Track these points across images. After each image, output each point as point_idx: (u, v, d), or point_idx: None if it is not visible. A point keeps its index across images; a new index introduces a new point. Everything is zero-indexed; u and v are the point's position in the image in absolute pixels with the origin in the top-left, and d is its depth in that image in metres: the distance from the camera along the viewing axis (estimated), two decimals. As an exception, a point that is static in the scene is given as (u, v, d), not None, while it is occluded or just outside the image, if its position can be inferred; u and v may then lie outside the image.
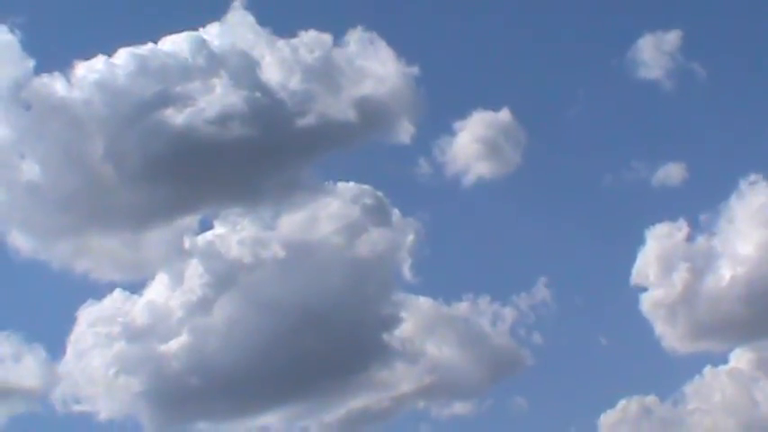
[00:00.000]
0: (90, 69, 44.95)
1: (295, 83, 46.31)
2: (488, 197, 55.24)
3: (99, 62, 45.06)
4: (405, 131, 50.05)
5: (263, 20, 48.03)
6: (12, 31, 46.97)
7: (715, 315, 46.70)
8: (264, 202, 48.38)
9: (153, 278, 47.72)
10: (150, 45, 45.77)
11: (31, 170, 44.60)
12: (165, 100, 44.03)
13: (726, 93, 57.62)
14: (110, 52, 45.28)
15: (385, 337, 45.57)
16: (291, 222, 46.83)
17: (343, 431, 48.55)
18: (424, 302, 48.57)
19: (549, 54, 61.69)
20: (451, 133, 53.46)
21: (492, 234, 57.14)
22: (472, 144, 52.02)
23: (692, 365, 53.77)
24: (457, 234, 57.22)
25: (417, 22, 62.15)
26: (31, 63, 45.82)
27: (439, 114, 56.45)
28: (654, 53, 53.10)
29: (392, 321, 45.92)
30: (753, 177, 47.97)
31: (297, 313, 43.93)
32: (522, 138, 52.21)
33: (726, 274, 46.33)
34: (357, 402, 47.90)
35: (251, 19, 47.79)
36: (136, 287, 47.84)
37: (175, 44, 45.88)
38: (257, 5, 51.03)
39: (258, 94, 44.91)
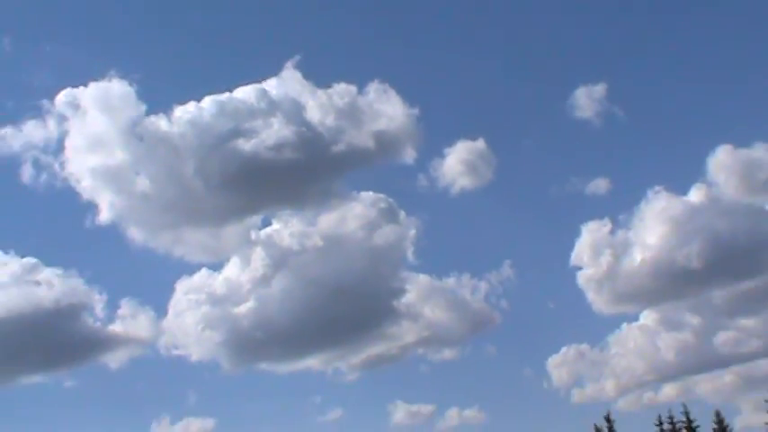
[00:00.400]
0: (184, 111, 53.44)
1: (330, 121, 55.57)
2: (469, 203, 66.71)
3: (191, 106, 53.55)
4: (409, 155, 60.84)
5: (307, 75, 57.37)
6: (130, 84, 55.95)
7: (630, 286, 55.14)
8: (308, 206, 57.64)
9: (228, 260, 56.43)
10: (227, 93, 53.94)
11: (143, 183, 53.44)
12: (237, 133, 52.02)
13: (639, 128, 69.05)
14: (198, 98, 53.83)
15: (394, 303, 54.71)
16: (327, 220, 55.69)
17: (365, 370, 58.59)
18: (422, 278, 58.34)
19: (513, 99, 74.09)
20: (442, 156, 64.21)
21: (471, 229, 70.21)
22: (457, 164, 62.12)
23: (613, 322, 66.02)
24: (446, 229, 69.52)
25: (417, 76, 74.67)
26: (143, 107, 54.24)
27: (433, 143, 68.32)
28: (587, 99, 63.69)
29: (399, 292, 55.03)
30: (657, 188, 56.79)
31: (330, 286, 52.02)
32: (493, 160, 62.86)
33: (638, 257, 54.65)
34: (374, 350, 57.77)
35: (299, 75, 57.29)
36: (216, 267, 57.06)
37: (245, 93, 54.08)
38: (303, 65, 62.99)
39: (304, 129, 53.52)
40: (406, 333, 55.62)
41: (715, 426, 41.15)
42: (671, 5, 72.39)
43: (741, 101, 68.33)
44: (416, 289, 56.73)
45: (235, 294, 53.79)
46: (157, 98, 62.09)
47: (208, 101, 53.34)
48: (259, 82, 55.67)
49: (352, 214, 55.98)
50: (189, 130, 52.71)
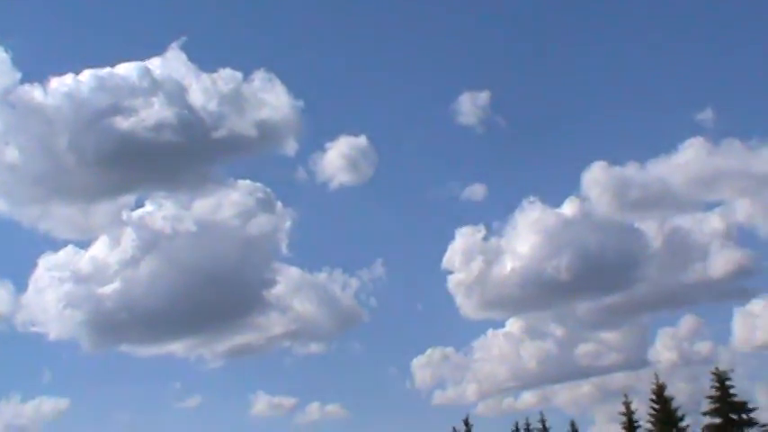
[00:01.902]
0: (61, 83, 52.84)
1: (213, 105, 55.05)
2: (347, 199, 67.14)
3: (69, 78, 52.94)
4: (290, 147, 61.13)
5: (192, 58, 58.02)
6: (6, 50, 55.30)
7: (498, 294, 55.52)
8: (183, 189, 57.40)
9: (97, 239, 55.89)
10: (108, 68, 53.38)
11: (11, 154, 52.48)
12: (115, 110, 50.98)
13: (519, 138, 70.38)
14: (77, 71, 53.14)
15: (264, 293, 54.66)
16: (202, 206, 55.44)
17: (229, 358, 58.37)
18: (294, 271, 58.48)
19: (398, 99, 74.86)
20: (324, 150, 64.52)
21: (347, 225, 70.77)
22: (338, 159, 62.32)
23: (479, 328, 66.95)
24: (322, 223, 70.71)
25: (305, 69, 74.54)
26: (17, 75, 54.33)
27: (316, 136, 69.73)
28: (470, 106, 64.48)
29: (270, 283, 54.91)
30: (532, 198, 57.38)
31: (201, 272, 51.58)
32: (373, 158, 63.22)
33: (508, 265, 54.96)
34: (241, 339, 57.88)
35: (184, 56, 56.99)
36: (83, 245, 58.78)
37: (127, 70, 53.45)
38: (189, 47, 62.25)
39: (185, 111, 53.00)
40: (274, 325, 55.88)
41: (569, 435, 41.84)
42: (561, 20, 73.49)
43: (618, 120, 70.26)
44: (287, 281, 56.99)
45: (100, 274, 53.16)
46: (34, 67, 62.76)
47: (87, 74, 52.77)
48: (142, 60, 55.38)
49: (228, 201, 55.98)
50: (65, 102, 51.96)
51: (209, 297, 52.07)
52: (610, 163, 57.73)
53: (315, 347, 60.43)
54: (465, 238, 57.11)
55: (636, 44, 71.59)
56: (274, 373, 62.63)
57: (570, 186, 63.83)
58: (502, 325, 57.56)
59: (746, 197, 58.75)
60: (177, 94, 53.58)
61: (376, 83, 74.28)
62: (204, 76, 56.57)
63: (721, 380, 37.17)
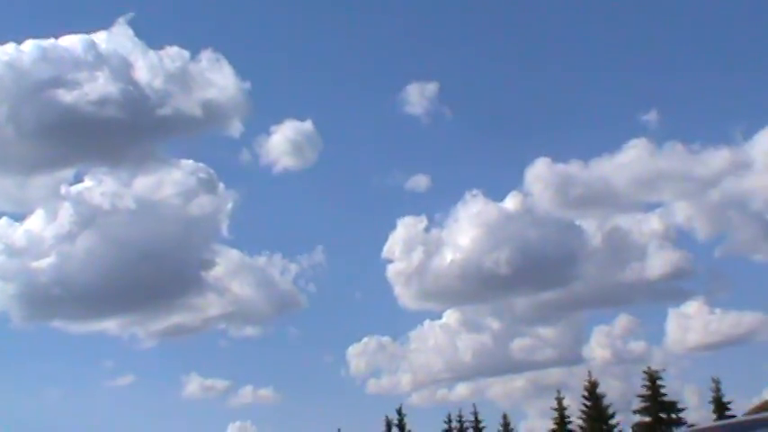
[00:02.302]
0: (3, 52, 51.44)
1: (158, 83, 54.45)
2: (290, 183, 66.83)
3: (10, 47, 51.55)
4: (235, 128, 59.90)
5: (139, 33, 56.11)
6: None
7: (437, 285, 55.28)
8: (124, 166, 57.54)
9: (33, 212, 56.21)
10: (52, 40, 52.54)
11: None
12: (58, 82, 50.18)
13: (465, 131, 69.71)
14: (19, 41, 51.85)
15: (203, 274, 54.37)
16: (143, 183, 54.87)
17: (163, 338, 57.89)
18: (234, 253, 57.92)
19: (346, 86, 73.71)
20: (269, 133, 64.77)
21: (289, 210, 69.77)
22: (283, 143, 61.23)
23: (416, 318, 68.84)
24: (264, 207, 69.33)
25: (254, 50, 73.03)
26: None
27: (261, 119, 68.39)
28: (418, 97, 64.65)
29: (209, 264, 54.31)
30: (475, 191, 57.82)
31: (138, 250, 51.00)
32: (319, 143, 62.23)
33: (448, 257, 55.04)
34: (176, 319, 58.46)
35: (131, 32, 55.85)
36: (19, 217, 56.41)
37: (71, 42, 52.72)
38: (137, 22, 62.36)
39: (130, 87, 52.29)
40: (211, 306, 55.58)
41: (501, 428, 42.08)
42: (512, 16, 73.44)
43: (564, 118, 70.12)
44: (226, 263, 56.39)
45: (35, 248, 52.38)
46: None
47: (30, 44, 51.63)
48: (88, 33, 54.13)
49: (170, 180, 55.27)
50: (6, 71, 50.72)
51: (146, 276, 51.85)
52: (553, 160, 57.74)
53: (251, 331, 60.94)
54: (406, 228, 57.21)
55: (584, 44, 70.87)
56: (208, 354, 62.48)
57: (513, 181, 64.23)
58: (439, 316, 57.68)
59: (686, 200, 59.59)
60: (122, 70, 52.82)
61: (324, 69, 73.66)
62: (151, 53, 55.76)
63: (653, 379, 38.02)
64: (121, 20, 58.71)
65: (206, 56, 60.63)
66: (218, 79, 58.10)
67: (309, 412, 57.23)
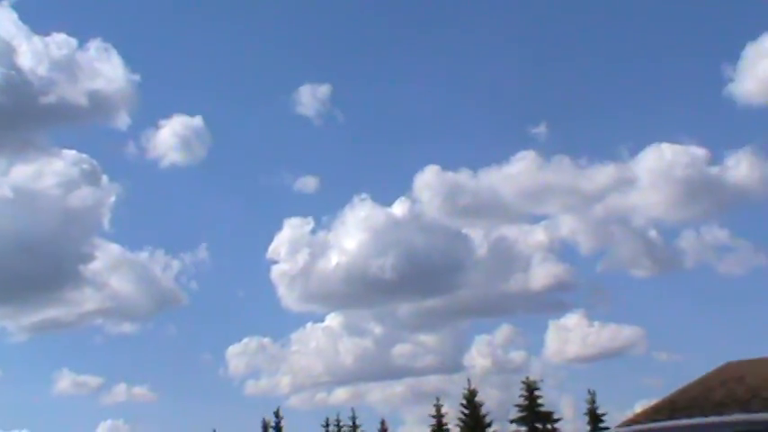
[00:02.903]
0: None
1: (43, 70, 53.13)
2: (177, 179, 66.14)
3: None
4: (122, 121, 59.08)
5: (24, 18, 56.51)
6: None
7: (321, 288, 55.12)
8: (2, 154, 55.41)
9: None
10: None
11: None
12: None
13: (356, 134, 70.20)
14: None
15: (81, 268, 53.00)
16: (22, 172, 53.16)
17: (35, 332, 56.93)
18: (114, 247, 57.32)
19: (238, 83, 73.15)
20: (157, 127, 63.44)
21: (174, 205, 69.39)
22: (171, 138, 60.76)
23: (299, 320, 69.20)
24: (148, 201, 68.62)
25: (145, 42, 71.94)
26: None
27: (150, 112, 68.22)
28: (310, 98, 63.33)
29: (88, 257, 53.40)
30: (363, 195, 57.21)
31: (14, 240, 49.48)
32: (208, 140, 61.99)
33: (333, 260, 54.88)
34: (50, 313, 57.45)
35: (14, 15, 54.68)
36: None
37: None
38: (21, 7, 60.73)
39: (13, 73, 50.48)
40: (88, 301, 54.31)
41: (378, 433, 41.75)
42: (408, 22, 73.28)
43: (455, 126, 70.46)
44: (106, 257, 55.49)
45: None
46: None
47: None
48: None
49: (51, 170, 53.91)
50: None
51: (20, 267, 50.12)
52: (443, 168, 57.81)
53: (128, 327, 59.69)
54: (293, 229, 57.02)
55: (478, 53, 71.20)
56: (83, 350, 61.54)
57: (402, 187, 64.32)
58: (322, 319, 58.42)
59: (571, 213, 60.19)
60: (5, 55, 50.93)
61: (217, 65, 73.16)
62: (36, 38, 54.45)
63: (530, 389, 38.36)
64: (5, 2, 57.78)
65: (95, 45, 59.18)
66: (106, 69, 57.31)
67: (185, 412, 56.96)
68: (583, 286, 64.64)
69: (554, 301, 60.31)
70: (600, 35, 71.88)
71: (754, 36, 63.24)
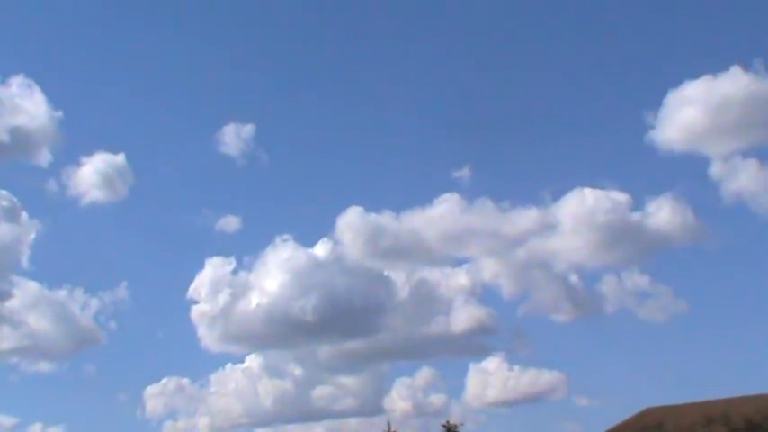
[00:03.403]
0: None
1: (-37, 105, 52.46)
2: (98, 216, 65.06)
3: None
4: (44, 158, 59.21)
5: None
6: None
7: (241, 328, 54.93)
8: None
9: None
10: None
11: None
12: None
13: (279, 175, 70.41)
14: None
15: (-3, 306, 51.58)
16: (-62, 208, 51.91)
17: None
18: (33, 285, 56.31)
19: (161, 122, 73.09)
20: (79, 165, 62.40)
21: (95, 243, 68.14)
22: (93, 175, 60.60)
23: (218, 361, 66.42)
24: (69, 239, 67.36)
25: (68, 78, 72.29)
26: None
27: (72, 149, 66.86)
28: (234, 138, 64.30)
29: (5, 295, 52.46)
30: (285, 236, 57.49)
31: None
32: (130, 178, 61.86)
33: (254, 301, 54.64)
34: None
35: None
36: None
37: None
38: None
39: None
40: (4, 339, 53.67)
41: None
42: (330, 65, 74.75)
43: (379, 168, 71.17)
44: (24, 295, 54.79)
45: None
46: None
47: None
48: None
49: (-31, 206, 52.68)
50: None
51: (-65, 305, 48.94)
52: (366, 209, 58.24)
53: (45, 366, 58.09)
54: (214, 269, 56.86)
55: (402, 96, 72.94)
56: (-3, 389, 59.34)
57: (325, 228, 64.26)
58: (242, 360, 57.46)
59: (493, 257, 60.42)
60: None
61: (140, 103, 72.75)
62: (-45, 74, 53.32)
63: (450, 432, 38.36)
64: (-73, 41, 56.85)
65: (17, 81, 58.70)
66: (28, 106, 57.36)
67: (100, 453, 54.81)
68: (504, 330, 65.17)
69: (475, 345, 60.22)
70: (523, 79, 74.28)
71: (675, 83, 64.43)
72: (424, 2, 76.41)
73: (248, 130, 64.31)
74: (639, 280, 59.14)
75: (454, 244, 59.86)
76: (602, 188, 59.29)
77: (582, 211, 57.40)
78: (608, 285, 59.97)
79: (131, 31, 74.00)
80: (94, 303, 58.68)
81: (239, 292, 55.91)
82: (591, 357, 59.12)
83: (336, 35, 76.44)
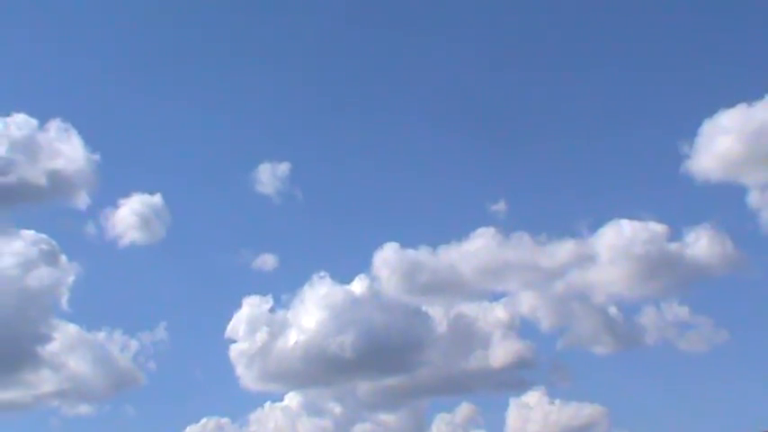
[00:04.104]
0: None
1: (2, 150, 53.83)
2: (136, 257, 64.50)
3: None
4: (82, 200, 59.34)
5: None
6: None
7: (280, 367, 55.05)
8: None
9: None
10: None
11: None
12: None
13: (315, 213, 70.40)
14: None
15: (38, 348, 52.43)
16: (-20, 253, 52.56)
17: None
18: (72, 328, 56.03)
19: (197, 162, 73.40)
20: (116, 206, 62.02)
21: (133, 285, 67.41)
22: (130, 216, 60.75)
23: (257, 400, 63.17)
24: (107, 281, 67.07)
25: (104, 121, 71.18)
26: None
27: (109, 191, 65.78)
28: (269, 176, 64.40)
29: (45, 338, 52.77)
30: (322, 273, 57.05)
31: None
32: (167, 218, 61.80)
33: (292, 339, 54.81)
34: (7, 395, 54.41)
35: (-27, 97, 54.76)
36: None
37: None
38: None
39: None
40: (45, 382, 53.42)
41: None
42: (362, 102, 74.91)
43: (414, 204, 71.17)
44: (64, 338, 54.62)
45: None
46: None
47: None
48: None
49: (9, 250, 53.64)
50: None
51: (-23, 349, 49.38)
52: (402, 245, 58.12)
53: (85, 408, 57.09)
54: (251, 308, 56.64)
55: (434, 133, 72.98)
56: (37, 433, 59.56)
57: (361, 265, 63.97)
58: (281, 399, 56.95)
59: (531, 290, 59.88)
60: (-35, 136, 51.16)
61: (177, 143, 73.50)
62: (-3, 119, 54.29)
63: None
64: (-34, 85, 57.91)
65: (55, 125, 58.79)
66: (66, 149, 57.63)
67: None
68: (543, 363, 63.99)
69: (515, 379, 59.61)
70: (557, 112, 74.37)
71: (710, 113, 64.05)
72: (469, 40, 76.63)
73: (283, 168, 64.62)
74: (679, 311, 58.84)
75: (491, 278, 59.70)
76: (639, 219, 59.12)
77: (619, 242, 57.27)
78: (647, 317, 59.62)
79: (165, 75, 75.39)
80: (134, 344, 58.80)
81: (277, 331, 55.95)
82: (632, 390, 58.37)
83: (368, 74, 76.83)
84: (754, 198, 59.10)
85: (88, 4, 75.44)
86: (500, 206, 64.15)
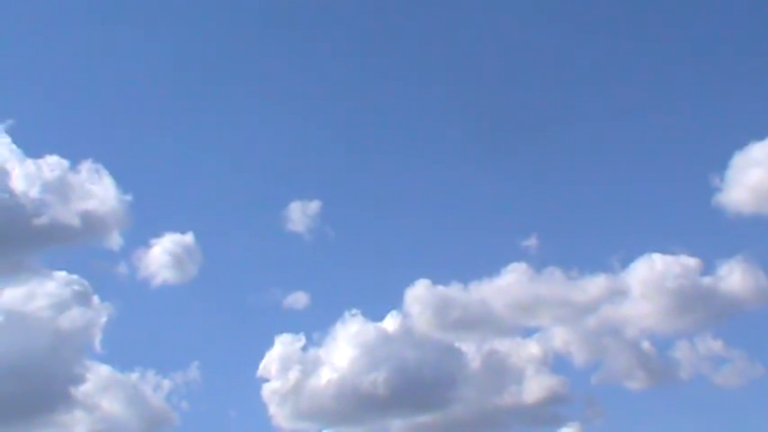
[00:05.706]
0: None
1: (35, 192, 53.56)
2: (168, 297, 64.48)
3: None
4: (114, 241, 59.47)
5: (17, 141, 55.92)
6: None
7: (313, 405, 54.94)
8: None
9: None
10: None
11: None
12: None
13: (346, 250, 69.73)
14: None
15: (71, 390, 52.45)
16: (13, 294, 52.99)
17: None
18: (105, 369, 56.15)
19: (228, 200, 72.07)
20: (148, 246, 62.38)
21: (165, 324, 67.20)
22: (162, 256, 60.99)
23: None
24: (140, 321, 65.78)
25: (135, 161, 71.35)
26: None
27: (141, 231, 65.58)
28: (300, 214, 64.41)
29: (79, 379, 52.85)
30: (354, 311, 57.11)
31: (5, 363, 49.29)
32: (199, 257, 61.89)
33: (325, 377, 55.01)
34: None
35: (7, 140, 55.70)
36: None
37: None
38: (15, 130, 58.97)
39: (6, 196, 51.82)
40: (78, 424, 53.26)
41: None
42: (391, 140, 75.00)
43: (445, 240, 70.71)
44: (97, 379, 54.74)
45: None
46: None
47: None
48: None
49: (42, 292, 53.52)
50: None
51: (11, 391, 49.81)
52: (433, 282, 58.13)
53: (118, 449, 58.09)
54: (284, 347, 56.75)
55: (463, 169, 72.34)
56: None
57: (393, 302, 63.96)
58: (316, 437, 56.66)
59: (564, 325, 59.76)
60: (-1, 178, 51.82)
61: (207, 182, 72.93)
62: (29, 161, 55.33)
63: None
64: (0, 127, 57.75)
65: (86, 166, 59.06)
66: (98, 190, 57.84)
67: None
68: (577, 399, 63.65)
69: (549, 415, 58.95)
70: (589, 146, 74.17)
71: (741, 145, 63.81)
72: (501, 75, 76.89)
73: (314, 206, 64.69)
74: (713, 345, 58.32)
75: (524, 313, 59.56)
76: (671, 253, 58.90)
77: (652, 276, 57.08)
78: (681, 351, 59.04)
79: (194, 114, 74.90)
80: (166, 384, 58.82)
81: (310, 369, 55.96)
82: (666, 425, 57.89)
83: (399, 111, 76.58)
84: (786, 229, 58.84)
85: (116, 47, 75.51)
86: (531, 241, 63.97)
